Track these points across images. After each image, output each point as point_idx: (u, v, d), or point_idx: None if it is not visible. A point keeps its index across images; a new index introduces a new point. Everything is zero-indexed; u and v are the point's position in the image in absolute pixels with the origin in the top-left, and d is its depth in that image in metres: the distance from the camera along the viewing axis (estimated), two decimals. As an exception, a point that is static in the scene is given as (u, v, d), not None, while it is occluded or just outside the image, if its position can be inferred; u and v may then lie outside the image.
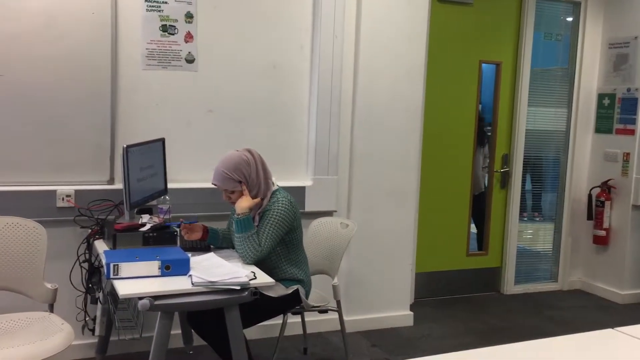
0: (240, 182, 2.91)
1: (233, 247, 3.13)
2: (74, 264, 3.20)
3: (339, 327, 3.44)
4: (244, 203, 2.87)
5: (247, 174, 2.92)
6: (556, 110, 5.16)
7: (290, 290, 2.98)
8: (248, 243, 2.83)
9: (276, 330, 3.22)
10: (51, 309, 2.86)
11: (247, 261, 2.84)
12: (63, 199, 3.29)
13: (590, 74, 5.10)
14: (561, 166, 5.23)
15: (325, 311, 3.30)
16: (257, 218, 2.95)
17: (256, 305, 2.67)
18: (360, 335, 4.03)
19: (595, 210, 5.03)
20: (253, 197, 2.93)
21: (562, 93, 5.15)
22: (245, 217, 2.86)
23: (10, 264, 2.84)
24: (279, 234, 2.91)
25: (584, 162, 5.18)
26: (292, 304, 3.05)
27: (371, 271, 4.12)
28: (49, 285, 2.84)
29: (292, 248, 3.03)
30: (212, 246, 3.10)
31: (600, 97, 5.08)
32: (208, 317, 2.82)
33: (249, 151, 3.00)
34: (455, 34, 4.66)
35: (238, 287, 2.52)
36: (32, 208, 3.16)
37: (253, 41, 3.71)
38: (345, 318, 3.51)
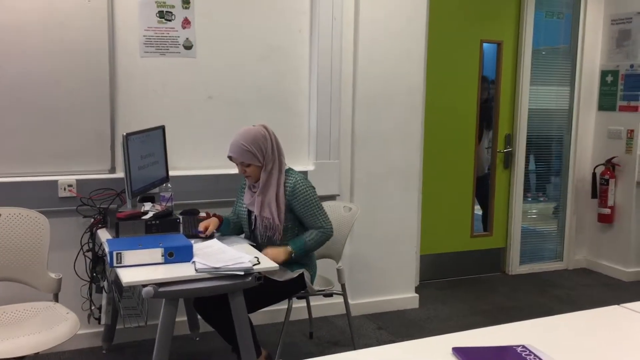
0: (256, 156, 2.91)
1: (240, 234, 3.13)
2: (78, 253, 3.21)
3: (344, 311, 3.45)
4: (280, 257, 2.90)
5: (265, 148, 2.94)
6: (559, 88, 5.13)
7: (295, 274, 2.98)
8: (320, 241, 3.02)
9: (282, 315, 3.22)
10: (56, 298, 2.87)
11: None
12: (65, 189, 3.29)
13: (593, 51, 5.05)
14: (565, 145, 5.20)
15: (330, 295, 3.30)
16: (283, 198, 2.96)
17: (261, 290, 2.67)
18: (366, 318, 4.04)
19: (599, 188, 5.01)
20: (269, 171, 2.94)
21: (564, 71, 5.10)
22: (296, 253, 2.96)
23: (14, 255, 2.84)
24: (322, 206, 3.04)
25: (588, 140, 5.15)
26: (297, 288, 3.05)
27: (375, 254, 4.12)
28: (53, 275, 2.84)
29: (299, 232, 3.03)
30: (217, 233, 3.09)
31: (603, 74, 5.04)
32: (213, 302, 2.82)
33: (265, 127, 3.01)
34: (456, 13, 4.62)
35: (242, 273, 2.52)
36: (35, 198, 3.15)
37: (251, 26, 3.68)
38: (350, 301, 3.51)
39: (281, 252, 2.91)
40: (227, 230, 3.10)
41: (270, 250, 2.88)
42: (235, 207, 3.20)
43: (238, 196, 3.16)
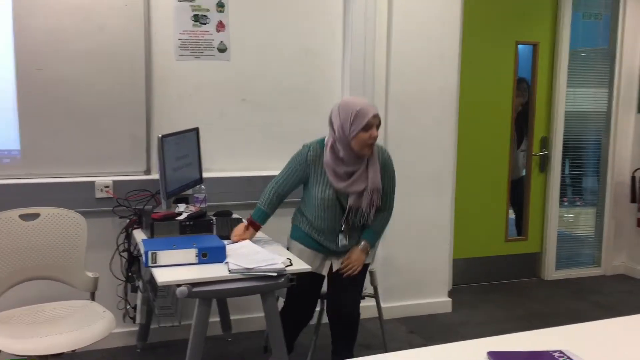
0: None
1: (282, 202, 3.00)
2: (114, 253, 3.26)
3: (376, 314, 3.43)
4: (363, 257, 2.97)
5: None
6: (596, 90, 5.02)
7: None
8: (386, 225, 3.09)
9: (314, 317, 3.22)
10: (93, 297, 2.92)
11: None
12: (102, 190, 3.35)
13: (632, 53, 4.94)
14: (602, 148, 5.09)
15: (362, 297, 3.28)
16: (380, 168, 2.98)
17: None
18: (398, 321, 4.01)
19: (639, 192, 4.89)
20: None
21: (602, 73, 5.00)
22: (372, 245, 3.01)
23: (52, 254, 2.91)
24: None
25: (627, 143, 5.03)
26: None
27: (408, 257, 4.09)
28: (90, 274, 2.90)
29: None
30: None
31: (643, 75, 4.92)
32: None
33: None
34: (491, 14, 4.56)
35: (274, 274, 2.52)
36: (72, 199, 3.22)
37: (284, 28, 3.70)
38: (382, 305, 3.49)
39: (362, 252, 2.95)
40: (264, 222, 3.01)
41: (354, 256, 2.93)
42: (283, 183, 2.94)
43: (300, 174, 2.93)
